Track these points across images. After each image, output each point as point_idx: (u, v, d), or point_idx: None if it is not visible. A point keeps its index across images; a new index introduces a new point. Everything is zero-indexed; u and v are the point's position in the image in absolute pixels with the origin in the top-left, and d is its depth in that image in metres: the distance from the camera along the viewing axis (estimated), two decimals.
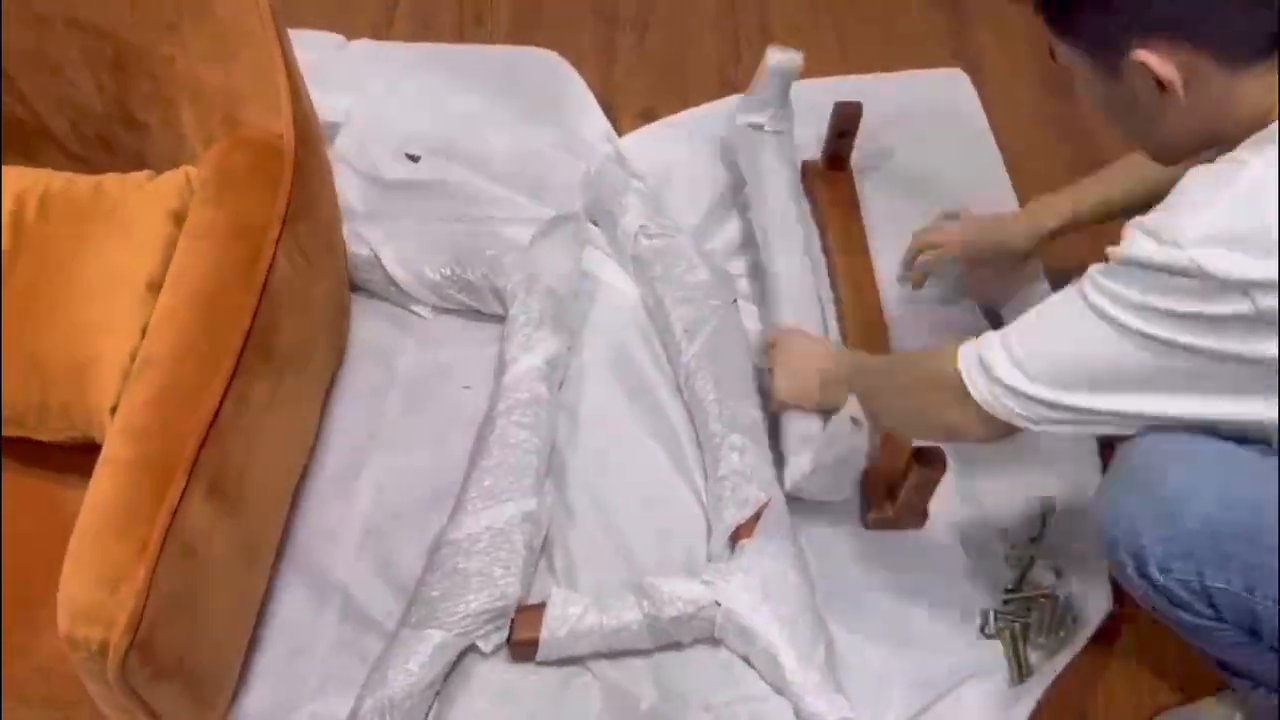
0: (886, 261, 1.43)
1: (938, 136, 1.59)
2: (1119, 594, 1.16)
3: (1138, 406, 0.86)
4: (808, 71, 1.66)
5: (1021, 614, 1.15)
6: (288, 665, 1.13)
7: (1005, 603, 1.16)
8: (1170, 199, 0.82)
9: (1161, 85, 0.82)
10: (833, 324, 1.37)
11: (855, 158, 1.52)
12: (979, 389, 0.92)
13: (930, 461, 1.13)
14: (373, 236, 1.38)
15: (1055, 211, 1.25)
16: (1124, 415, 0.87)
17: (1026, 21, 1.69)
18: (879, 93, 1.60)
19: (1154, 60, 0.81)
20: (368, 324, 1.38)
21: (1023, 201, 1.51)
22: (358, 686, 1.08)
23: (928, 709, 1.09)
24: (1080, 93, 0.92)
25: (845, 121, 1.46)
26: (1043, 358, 0.88)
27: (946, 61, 1.71)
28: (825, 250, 1.45)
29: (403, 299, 1.39)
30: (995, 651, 1.14)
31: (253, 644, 1.12)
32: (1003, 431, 0.94)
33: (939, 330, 1.37)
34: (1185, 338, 0.80)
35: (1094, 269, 0.85)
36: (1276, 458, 0.85)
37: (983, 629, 1.15)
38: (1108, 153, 1.57)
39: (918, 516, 1.21)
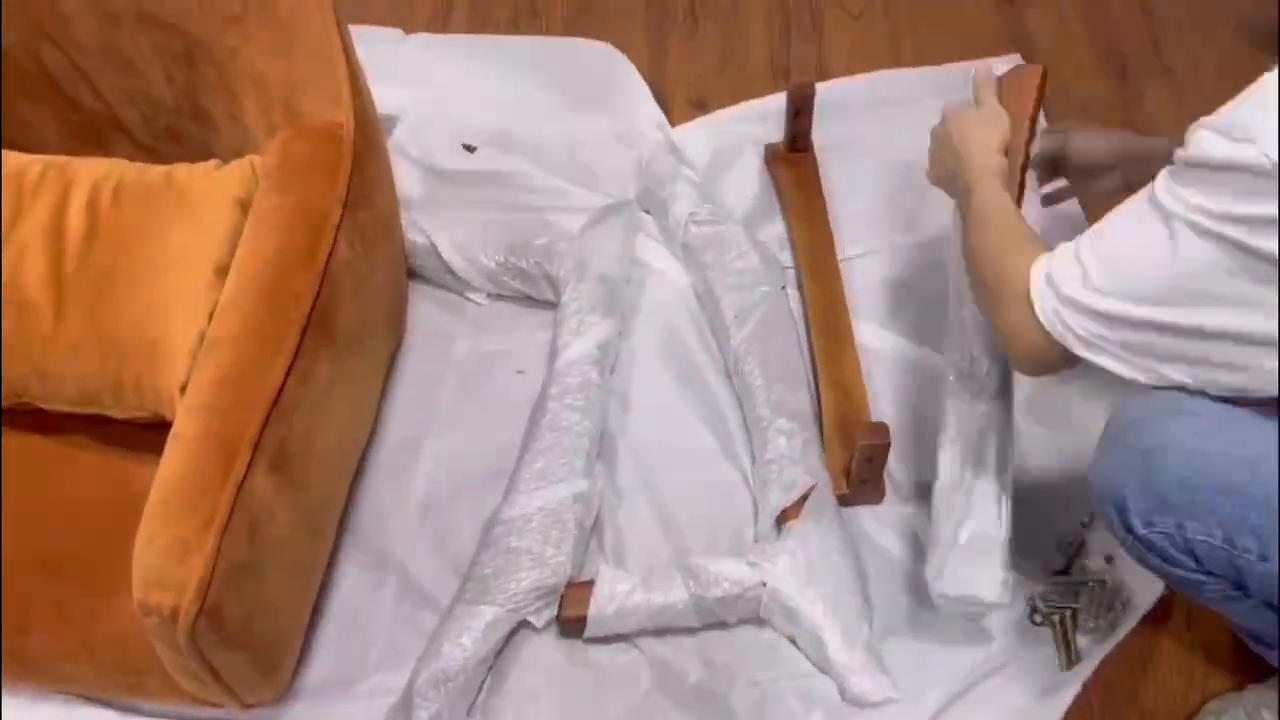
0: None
1: None
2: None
3: (1201, 320, 0.81)
4: (856, 64, 1.68)
5: (1070, 599, 1.15)
6: (348, 639, 1.17)
7: (1054, 586, 1.16)
8: (1241, 97, 0.77)
9: None
10: None
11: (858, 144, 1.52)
12: (1044, 305, 0.88)
13: (873, 434, 1.15)
14: (429, 225, 1.42)
15: None
16: (1185, 330, 0.82)
17: (1080, 5, 1.69)
18: (934, 84, 1.60)
19: None
20: (424, 310, 1.42)
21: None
22: (414, 660, 1.12)
23: (972, 689, 1.09)
24: None
25: (798, 102, 1.47)
26: (1112, 267, 0.84)
27: (1002, 48, 1.70)
28: (788, 230, 1.46)
29: (458, 285, 1.42)
30: (1043, 635, 1.14)
31: (314, 617, 1.16)
32: (1052, 354, 0.89)
33: (900, 307, 1.39)
34: (1258, 241, 0.75)
35: (1164, 173, 0.81)
36: (1267, 419, 0.84)
37: (1030, 616, 1.15)
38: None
39: (873, 491, 1.22)
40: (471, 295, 1.42)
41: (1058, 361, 0.91)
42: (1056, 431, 1.27)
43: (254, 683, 1.03)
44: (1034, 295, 0.89)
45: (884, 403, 1.32)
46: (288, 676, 1.10)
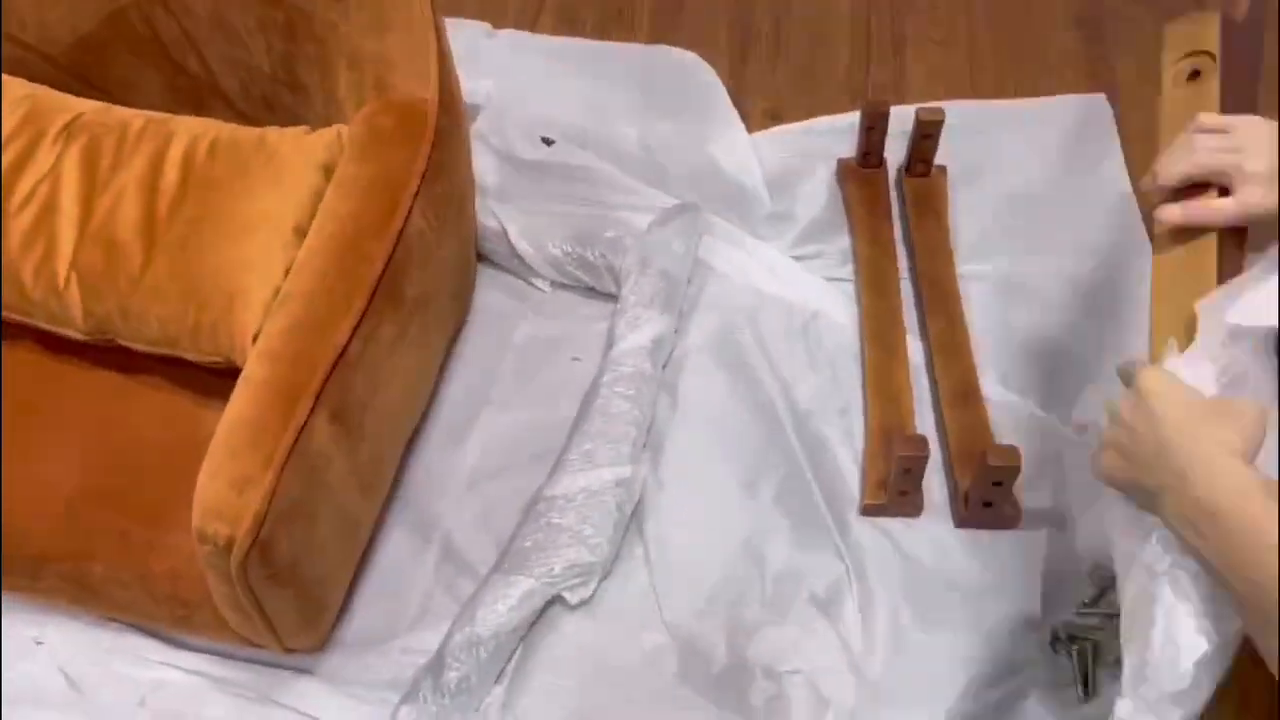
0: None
1: (1065, 162, 1.58)
2: None
3: None
4: (933, 89, 1.69)
5: (1094, 631, 1.14)
6: (387, 597, 1.21)
7: (1080, 615, 1.15)
8: None
9: None
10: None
11: (958, 171, 1.53)
12: None
13: (913, 445, 1.16)
14: (502, 211, 1.47)
15: None
16: None
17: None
18: (1005, 115, 1.63)
19: None
20: (490, 292, 1.46)
21: (1150, 231, 1.50)
22: (449, 624, 1.15)
23: (989, 707, 1.09)
24: None
25: (872, 119, 1.49)
26: None
27: (1080, 83, 1.70)
28: (852, 244, 1.48)
29: (524, 271, 1.46)
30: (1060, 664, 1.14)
31: (358, 573, 1.20)
32: None
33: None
34: None
35: None
36: None
37: (1052, 644, 1.14)
38: None
39: (910, 504, 1.22)
40: (536, 281, 1.46)
41: None
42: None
43: (296, 625, 1.07)
44: None
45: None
46: (328, 625, 1.15)
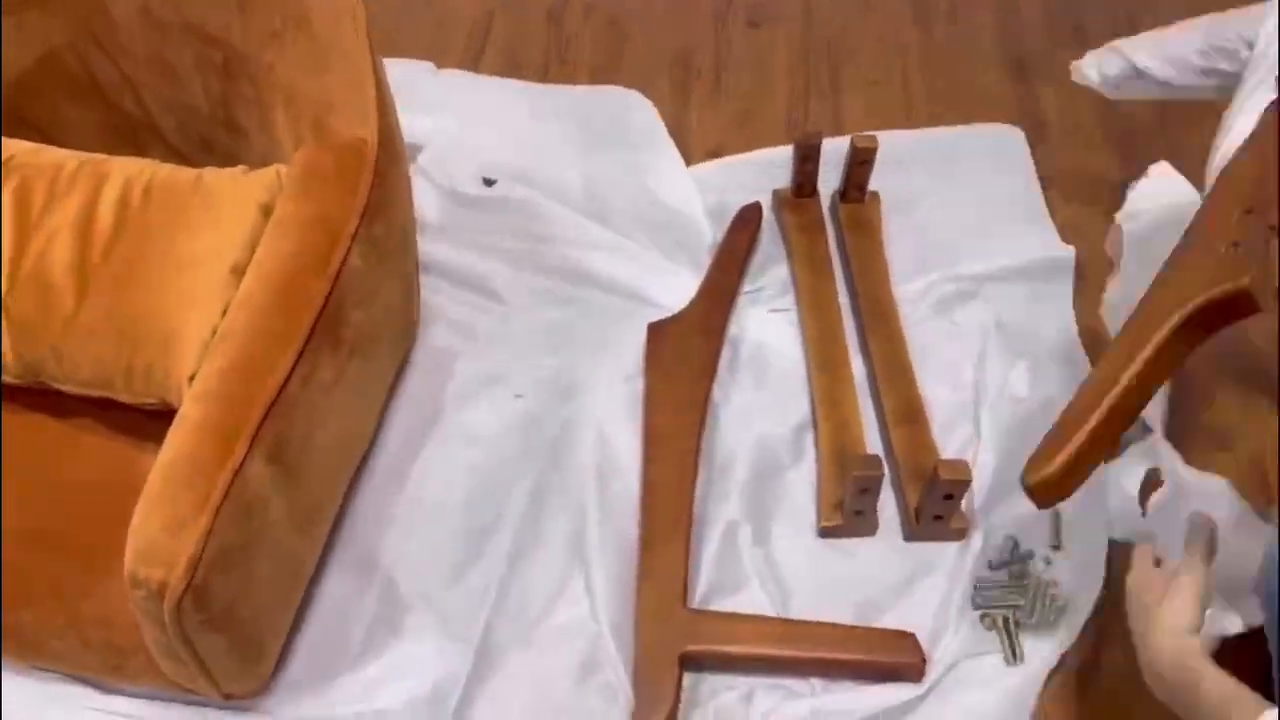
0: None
1: (981, 186, 1.63)
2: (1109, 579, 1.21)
3: None
4: (869, 126, 1.73)
5: (1012, 599, 1.20)
6: (330, 636, 1.19)
7: (993, 582, 1.21)
8: None
9: None
10: None
11: (888, 199, 1.58)
12: None
13: (867, 465, 1.19)
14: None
15: None
16: None
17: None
18: (930, 143, 1.68)
19: None
20: (434, 329, 1.46)
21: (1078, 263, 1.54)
22: (389, 659, 1.15)
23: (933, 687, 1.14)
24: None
25: (805, 149, 1.53)
26: None
27: (1010, 121, 1.75)
28: (790, 272, 1.51)
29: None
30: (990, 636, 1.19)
31: (299, 613, 1.18)
32: None
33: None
34: None
35: None
36: None
37: (973, 602, 1.20)
38: None
39: (865, 524, 1.25)
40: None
41: None
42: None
43: (234, 671, 1.05)
44: None
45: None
46: (267, 669, 1.13)
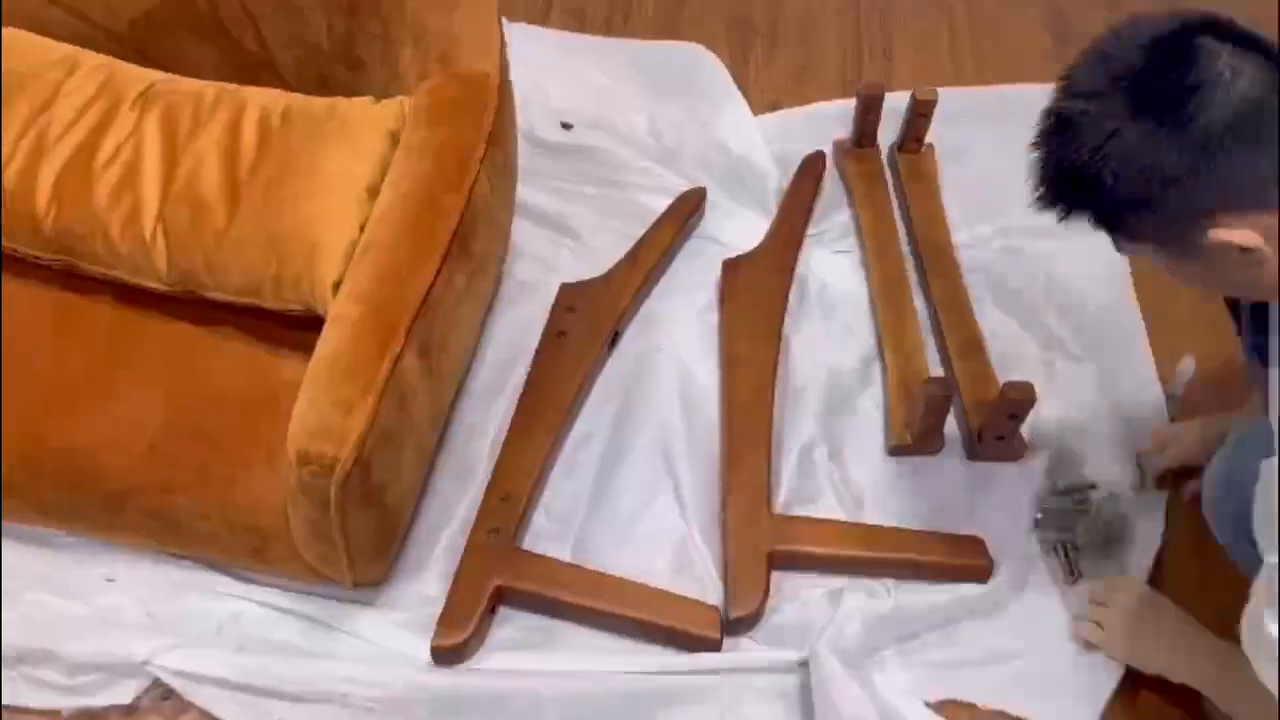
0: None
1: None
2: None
3: None
4: (921, 83, 1.82)
5: (1070, 517, 1.29)
6: (431, 534, 1.29)
7: (1056, 509, 1.30)
8: None
9: (1246, 248, 0.82)
10: None
11: (942, 152, 1.66)
12: None
13: (935, 385, 1.29)
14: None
15: None
16: None
17: None
18: (981, 101, 1.77)
19: (1231, 235, 0.82)
20: (517, 263, 1.56)
21: None
22: None
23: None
24: (1161, 272, 0.93)
25: (867, 101, 1.62)
26: None
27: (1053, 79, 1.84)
28: (854, 218, 1.60)
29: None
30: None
31: (414, 512, 1.29)
32: None
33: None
34: None
35: None
36: None
37: (1035, 527, 1.29)
38: None
39: (931, 442, 1.35)
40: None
41: None
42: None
43: (370, 554, 1.15)
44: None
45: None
46: (393, 557, 1.23)
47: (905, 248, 1.59)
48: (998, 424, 1.32)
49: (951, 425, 1.39)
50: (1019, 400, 1.28)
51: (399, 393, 1.04)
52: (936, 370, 1.45)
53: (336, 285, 1.14)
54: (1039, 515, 1.30)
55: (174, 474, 1.15)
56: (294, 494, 1.06)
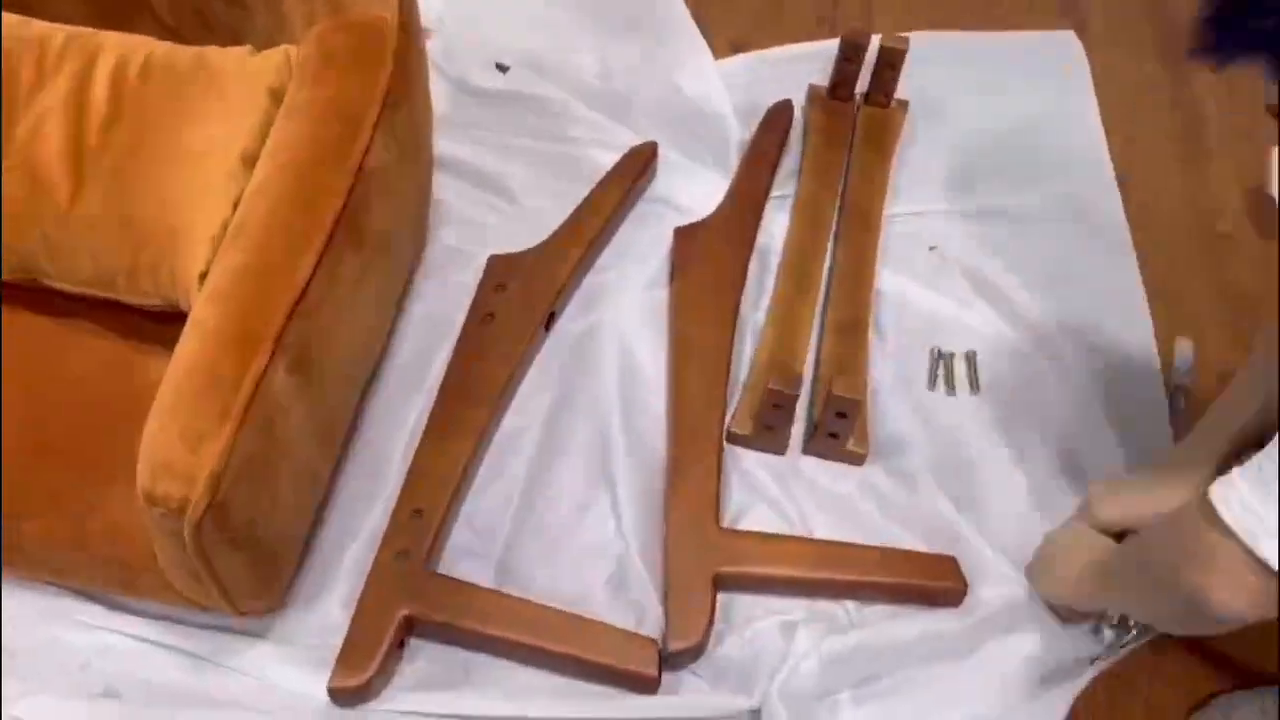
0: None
1: (1033, 97, 1.55)
2: None
3: None
4: (904, 22, 1.63)
5: None
6: (341, 547, 1.14)
7: None
8: None
9: None
10: None
11: (922, 108, 1.49)
12: (1228, 502, 0.76)
13: (786, 382, 1.14)
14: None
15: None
16: None
17: None
18: (979, 48, 1.59)
19: None
20: (443, 229, 1.38)
21: (1119, 169, 1.48)
22: None
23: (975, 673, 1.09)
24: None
25: (849, 50, 1.44)
26: None
27: (1051, 19, 1.66)
28: (798, 174, 1.43)
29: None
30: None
31: (311, 526, 1.13)
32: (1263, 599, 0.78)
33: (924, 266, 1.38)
34: None
35: None
36: None
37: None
38: (1215, 123, 1.55)
39: (775, 440, 1.21)
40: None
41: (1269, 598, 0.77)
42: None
43: (251, 587, 1.00)
44: (1216, 500, 0.77)
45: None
46: (284, 584, 1.07)
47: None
48: (829, 419, 1.17)
49: None
50: (842, 398, 1.13)
51: (264, 416, 0.87)
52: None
53: (203, 277, 0.96)
54: None
55: (23, 499, 0.98)
56: (151, 529, 0.90)
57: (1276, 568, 0.73)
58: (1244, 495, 0.75)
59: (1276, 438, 0.74)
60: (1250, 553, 0.74)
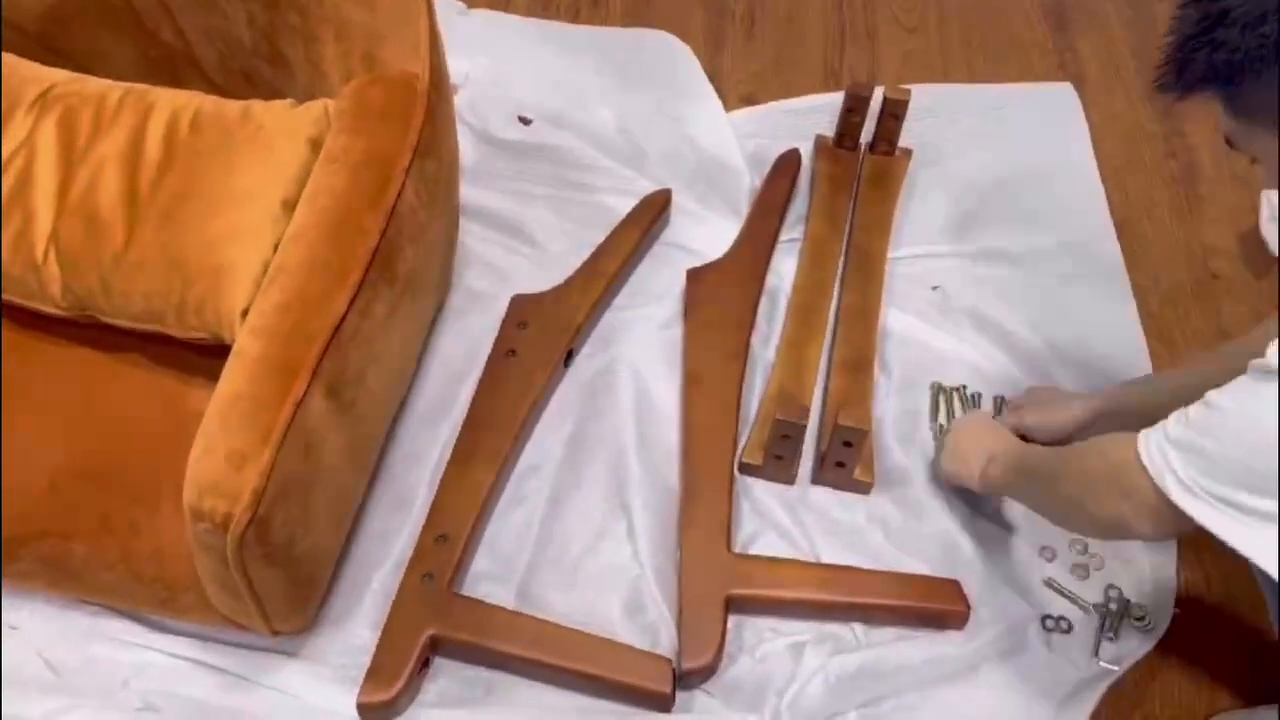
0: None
1: (1032, 146, 1.61)
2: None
3: None
4: (907, 74, 1.71)
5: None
6: (369, 572, 1.20)
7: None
8: None
9: None
10: None
11: (925, 156, 1.56)
12: (1149, 448, 0.86)
13: (792, 412, 1.21)
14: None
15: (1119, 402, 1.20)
16: None
17: (1131, 36, 1.72)
18: (980, 99, 1.66)
19: None
20: (468, 271, 1.45)
21: (1116, 213, 1.54)
22: None
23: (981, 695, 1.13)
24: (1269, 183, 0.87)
25: (853, 101, 1.52)
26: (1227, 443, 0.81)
27: (1049, 72, 1.73)
28: (806, 219, 1.50)
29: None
30: (1058, 646, 1.17)
31: (342, 554, 1.18)
32: (1169, 528, 0.88)
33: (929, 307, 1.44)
34: None
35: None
36: None
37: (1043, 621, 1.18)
38: (1208, 169, 1.61)
39: (783, 470, 1.26)
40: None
41: (1175, 527, 0.86)
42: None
43: (286, 606, 1.05)
44: (1140, 446, 0.86)
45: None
46: (315, 606, 1.13)
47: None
48: (836, 449, 1.22)
49: None
50: (849, 429, 1.19)
51: (302, 441, 0.94)
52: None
53: (246, 313, 1.03)
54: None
55: (73, 520, 1.05)
56: (195, 546, 0.96)
57: (1180, 503, 0.83)
58: (1162, 438, 0.85)
59: (1209, 393, 0.83)
60: (1159, 490, 0.84)
